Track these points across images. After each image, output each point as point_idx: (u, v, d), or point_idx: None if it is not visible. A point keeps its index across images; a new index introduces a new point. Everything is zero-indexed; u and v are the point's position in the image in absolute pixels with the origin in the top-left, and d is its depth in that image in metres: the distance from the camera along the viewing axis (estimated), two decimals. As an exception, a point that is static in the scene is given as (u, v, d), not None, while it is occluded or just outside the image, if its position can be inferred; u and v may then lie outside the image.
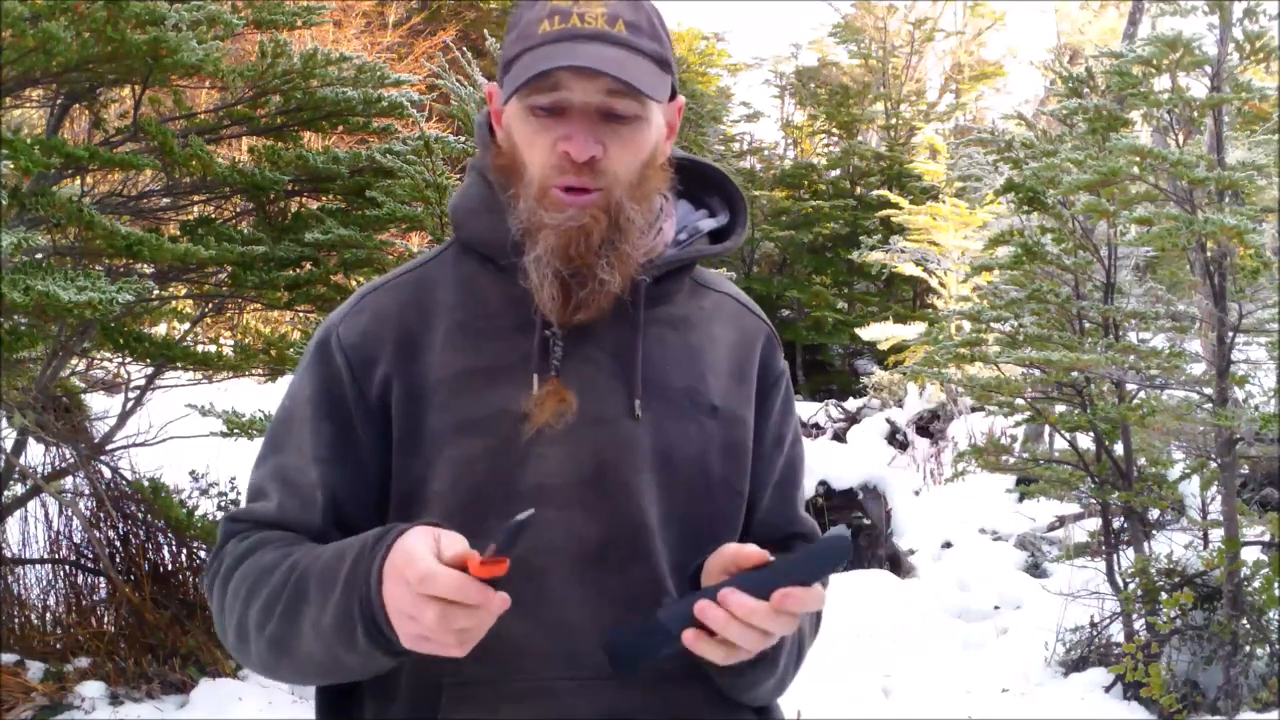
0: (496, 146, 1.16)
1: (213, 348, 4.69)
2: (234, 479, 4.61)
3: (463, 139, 4.32)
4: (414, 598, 0.91)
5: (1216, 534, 4.35)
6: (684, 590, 1.10)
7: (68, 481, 4.42)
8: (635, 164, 1.11)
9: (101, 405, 5.16)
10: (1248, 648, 3.96)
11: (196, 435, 3.98)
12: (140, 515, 4.34)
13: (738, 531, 1.16)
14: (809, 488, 5.99)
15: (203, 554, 4.39)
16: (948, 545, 6.66)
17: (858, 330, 11.66)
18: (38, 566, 4.35)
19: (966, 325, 5.21)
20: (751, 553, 1.02)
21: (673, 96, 1.17)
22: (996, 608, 5.68)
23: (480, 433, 1.07)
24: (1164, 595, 4.19)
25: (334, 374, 1.14)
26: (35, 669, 3.81)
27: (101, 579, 4.30)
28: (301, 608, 1.01)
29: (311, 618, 1.00)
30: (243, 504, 1.17)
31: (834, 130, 16.80)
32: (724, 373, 1.17)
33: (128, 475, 4.36)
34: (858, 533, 6.06)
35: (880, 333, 10.74)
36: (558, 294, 1.09)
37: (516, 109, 1.11)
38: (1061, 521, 6.51)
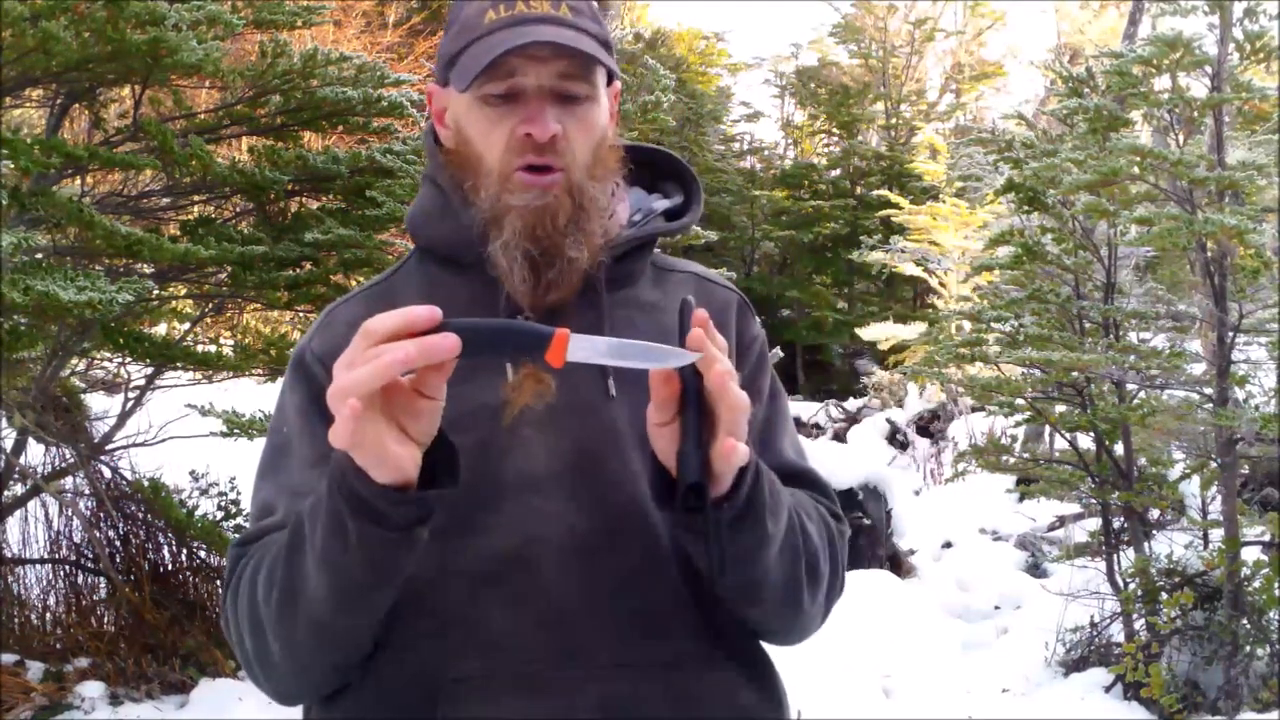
0: (445, 146, 1.17)
1: (213, 348, 4.69)
2: (234, 479, 4.60)
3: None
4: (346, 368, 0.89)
5: (1217, 534, 4.35)
6: (688, 563, 1.09)
7: (68, 481, 4.42)
8: (590, 144, 1.12)
9: (101, 405, 5.15)
10: (1248, 648, 3.95)
11: (196, 435, 3.98)
12: (140, 515, 4.34)
13: None
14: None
15: (202, 554, 4.39)
16: (948, 545, 6.66)
17: (858, 330, 11.67)
18: (38, 566, 4.35)
19: (967, 325, 5.21)
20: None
21: (609, 82, 1.18)
22: (997, 608, 5.68)
23: (459, 430, 1.05)
24: (1164, 595, 4.19)
25: (316, 384, 1.14)
26: (35, 669, 3.81)
27: (101, 579, 4.30)
28: (300, 545, 0.99)
29: (310, 545, 0.97)
30: (249, 529, 1.15)
31: (834, 130, 16.80)
32: None
33: (128, 475, 4.36)
34: (858, 533, 6.05)
35: (880, 333, 10.75)
36: (528, 275, 1.10)
37: (467, 102, 1.12)
38: (1062, 521, 6.51)
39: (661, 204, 1.24)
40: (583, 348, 0.92)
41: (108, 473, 4.35)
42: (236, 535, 1.15)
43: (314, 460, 1.10)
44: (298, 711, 1.17)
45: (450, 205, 1.16)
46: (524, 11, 1.09)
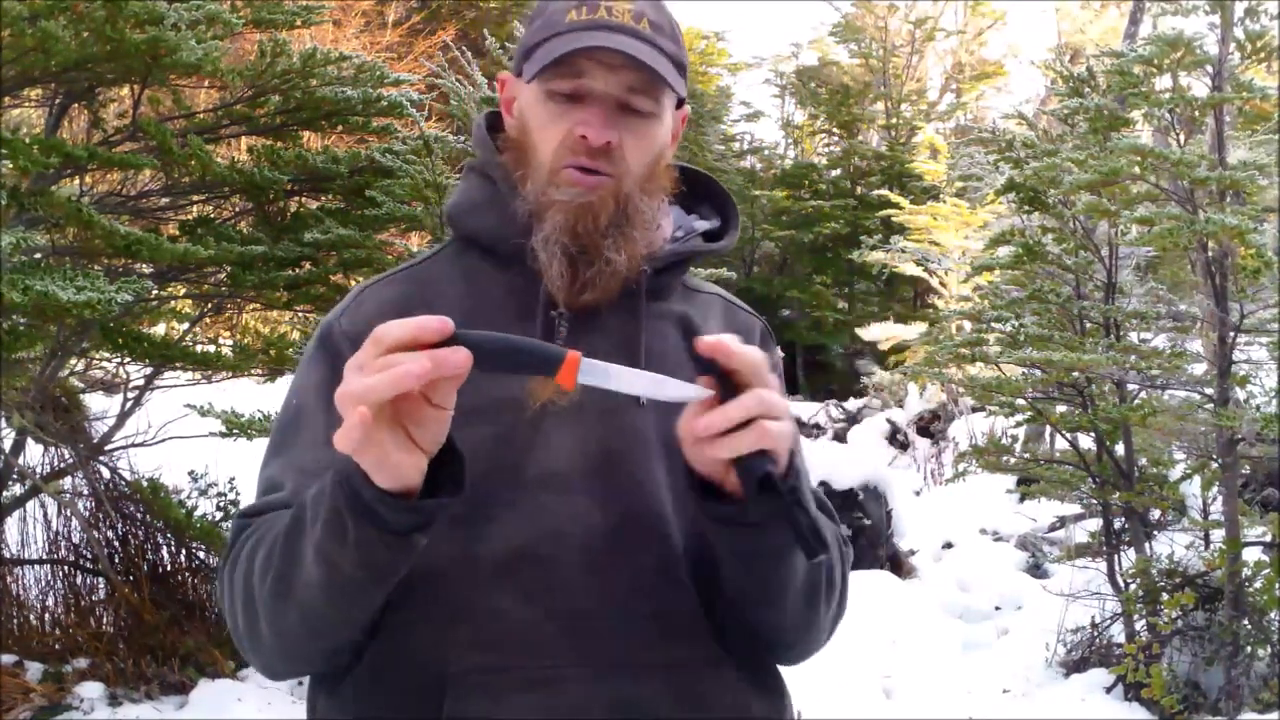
0: (505, 133, 1.19)
1: (212, 348, 4.69)
2: (233, 479, 4.60)
3: (462, 139, 4.32)
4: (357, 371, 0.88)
5: (1218, 534, 4.34)
6: (696, 571, 1.10)
7: (66, 482, 4.42)
8: (645, 159, 1.13)
9: (100, 405, 5.14)
10: (1249, 648, 3.95)
11: (195, 435, 3.98)
12: (139, 516, 4.34)
13: None
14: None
15: (201, 554, 4.39)
16: (948, 546, 6.66)
17: (858, 330, 11.67)
18: (36, 567, 4.35)
19: (967, 325, 5.21)
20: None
21: (679, 105, 1.19)
22: (997, 608, 5.68)
23: (483, 420, 1.06)
24: (1165, 596, 4.18)
25: (341, 361, 1.12)
26: (34, 670, 3.81)
27: (100, 579, 4.29)
28: (300, 531, 0.98)
29: (308, 535, 0.97)
30: (254, 501, 1.14)
31: (834, 130, 16.80)
32: None
33: (127, 475, 4.35)
34: (859, 533, 6.05)
35: (881, 333, 10.75)
36: (565, 272, 1.10)
37: (534, 93, 1.13)
38: (1062, 522, 6.51)
39: (701, 225, 1.25)
40: (592, 372, 0.93)
41: (106, 473, 4.34)
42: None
43: (327, 439, 1.08)
44: (298, 711, 1.17)
45: (499, 195, 1.16)
46: (604, 18, 1.11)
